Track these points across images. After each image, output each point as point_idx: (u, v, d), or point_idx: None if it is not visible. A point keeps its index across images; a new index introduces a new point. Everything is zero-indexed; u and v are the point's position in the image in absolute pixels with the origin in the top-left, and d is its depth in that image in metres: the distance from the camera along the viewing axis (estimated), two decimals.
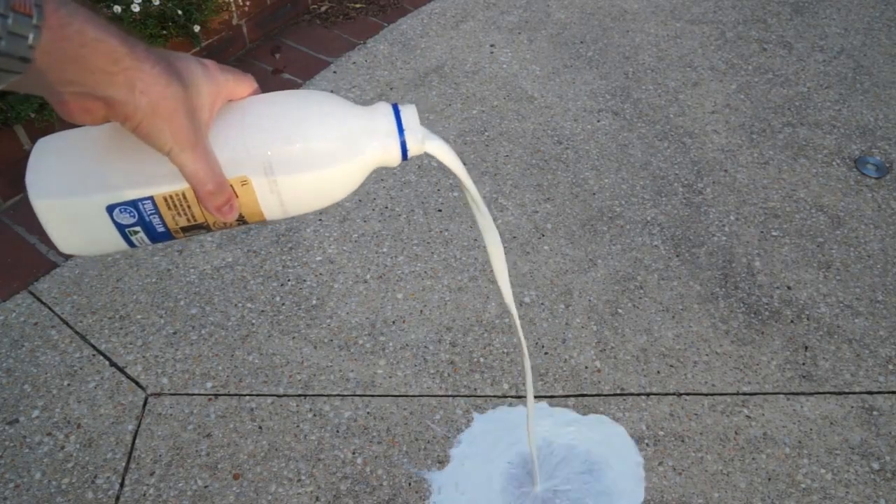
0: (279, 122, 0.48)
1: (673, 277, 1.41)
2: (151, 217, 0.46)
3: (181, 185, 0.45)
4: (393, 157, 0.50)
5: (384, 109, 0.51)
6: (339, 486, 1.09)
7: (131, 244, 0.48)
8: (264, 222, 0.49)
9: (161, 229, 0.47)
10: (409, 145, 0.50)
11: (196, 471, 1.11)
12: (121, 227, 0.47)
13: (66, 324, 1.30)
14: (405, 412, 1.19)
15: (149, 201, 0.46)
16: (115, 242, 0.48)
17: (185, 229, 0.48)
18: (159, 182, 0.46)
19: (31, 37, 0.34)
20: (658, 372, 1.25)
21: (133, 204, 0.46)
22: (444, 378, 1.23)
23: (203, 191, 0.44)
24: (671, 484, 1.11)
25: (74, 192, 0.46)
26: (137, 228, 0.47)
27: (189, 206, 0.47)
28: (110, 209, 0.46)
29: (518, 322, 0.79)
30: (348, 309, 1.34)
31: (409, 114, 0.50)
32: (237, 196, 0.47)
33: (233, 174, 0.46)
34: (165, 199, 0.46)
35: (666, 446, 1.16)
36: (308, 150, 0.48)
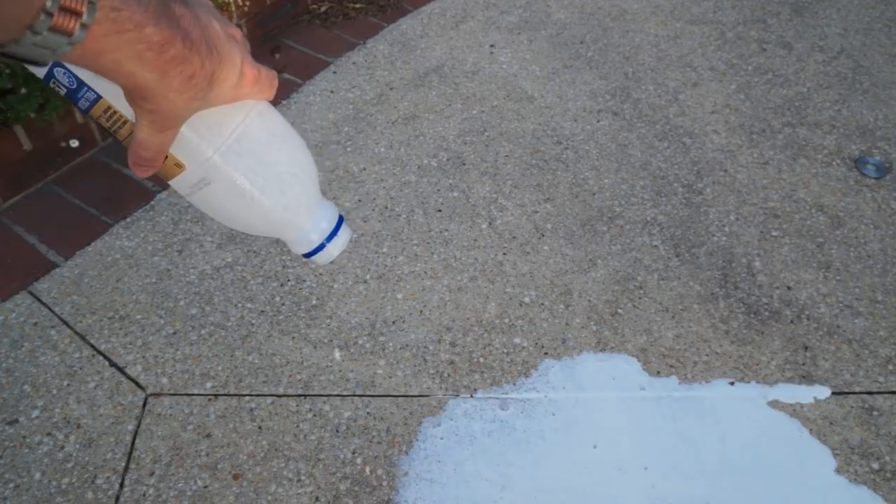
0: (259, 162, 0.47)
1: (673, 277, 1.41)
2: (82, 101, 0.45)
3: (131, 116, 0.44)
4: (296, 251, 0.53)
5: (328, 222, 0.53)
6: (339, 486, 1.09)
7: (46, 82, 0.46)
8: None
9: (84, 106, 0.46)
10: (315, 258, 0.53)
11: (196, 471, 1.11)
12: (50, 73, 0.44)
13: (66, 324, 1.30)
14: (405, 412, 1.19)
15: (94, 95, 0.45)
16: (36, 72, 0.46)
17: (100, 126, 0.46)
18: (119, 98, 0.44)
19: (76, 35, 0.33)
20: (658, 372, 1.25)
21: (80, 83, 0.44)
22: (444, 378, 1.23)
23: (138, 153, 0.43)
24: None
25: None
26: (63, 89, 0.45)
27: (120, 127, 0.46)
28: (56, 63, 0.44)
29: None
30: (348, 309, 1.34)
31: (339, 243, 0.54)
32: (162, 164, 0.46)
33: (179, 154, 0.46)
34: (108, 108, 0.45)
35: None
36: (255, 199, 0.48)
